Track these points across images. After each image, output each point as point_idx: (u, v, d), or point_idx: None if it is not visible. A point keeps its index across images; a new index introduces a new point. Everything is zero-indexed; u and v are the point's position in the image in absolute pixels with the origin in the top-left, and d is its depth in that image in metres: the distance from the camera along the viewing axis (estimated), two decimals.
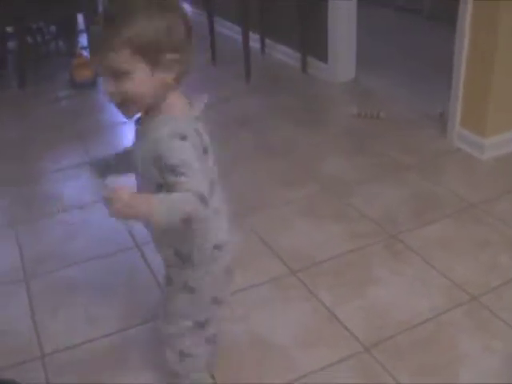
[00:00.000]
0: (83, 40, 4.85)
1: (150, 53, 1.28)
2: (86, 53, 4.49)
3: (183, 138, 1.32)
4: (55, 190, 2.92)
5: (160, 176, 1.32)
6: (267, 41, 4.68)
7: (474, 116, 3.00)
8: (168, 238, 1.49)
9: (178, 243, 1.47)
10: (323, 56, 4.06)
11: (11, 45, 4.56)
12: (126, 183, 1.28)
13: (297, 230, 2.49)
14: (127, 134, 3.50)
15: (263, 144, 3.25)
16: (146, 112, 1.41)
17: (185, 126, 1.37)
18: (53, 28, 5.12)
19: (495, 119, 2.94)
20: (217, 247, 1.51)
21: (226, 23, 5.07)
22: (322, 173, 2.93)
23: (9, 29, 4.47)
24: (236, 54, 4.24)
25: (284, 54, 4.51)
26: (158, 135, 1.33)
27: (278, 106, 3.72)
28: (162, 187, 1.32)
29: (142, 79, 1.31)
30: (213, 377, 1.77)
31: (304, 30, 4.14)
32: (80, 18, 4.85)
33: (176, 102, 1.42)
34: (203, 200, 1.26)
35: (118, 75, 1.30)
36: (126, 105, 1.37)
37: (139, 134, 1.46)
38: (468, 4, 2.81)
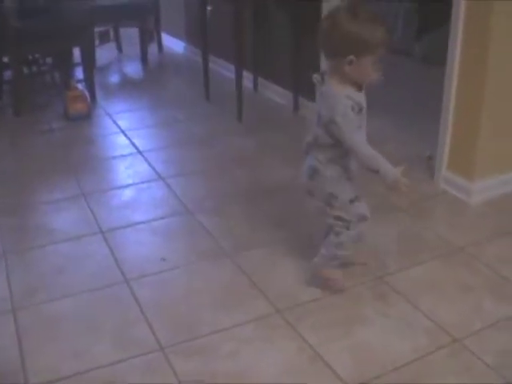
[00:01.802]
0: (78, 73, 4.91)
1: (361, 50, 1.99)
2: (80, 86, 4.55)
3: None
4: (46, 221, 2.93)
5: None
6: (260, 80, 4.75)
7: (462, 160, 3.05)
8: None
9: None
10: (314, 96, 4.10)
11: (7, 75, 4.60)
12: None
13: (283, 270, 2.51)
14: (118, 168, 3.54)
15: (254, 183, 3.28)
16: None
17: None
18: (49, 60, 5.19)
19: (482, 164, 2.99)
20: None
21: (220, 61, 5.15)
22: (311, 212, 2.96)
23: (5, 59, 4.52)
24: (229, 91, 4.30)
25: (276, 93, 4.58)
26: None
27: (269, 145, 3.77)
28: None
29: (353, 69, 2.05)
30: None
31: (296, 70, 4.21)
32: (76, 51, 4.91)
33: None
34: None
35: None
36: None
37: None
38: (456, 49, 2.88)
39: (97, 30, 6.10)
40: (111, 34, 6.46)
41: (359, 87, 2.11)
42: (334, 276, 2.36)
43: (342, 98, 2.04)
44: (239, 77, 4.11)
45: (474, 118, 2.91)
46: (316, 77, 2.14)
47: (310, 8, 3.95)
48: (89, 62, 4.80)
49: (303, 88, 4.23)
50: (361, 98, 2.10)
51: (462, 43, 2.87)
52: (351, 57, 1.98)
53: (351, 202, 2.23)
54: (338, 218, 2.23)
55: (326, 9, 3.84)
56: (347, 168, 2.20)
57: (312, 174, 2.21)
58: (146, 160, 3.59)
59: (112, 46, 6.40)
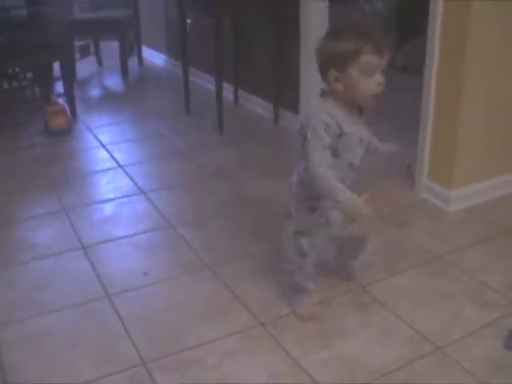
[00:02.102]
0: (59, 88, 4.90)
1: (343, 65, 1.91)
2: (61, 101, 4.54)
3: None
4: (28, 237, 2.92)
5: None
6: (241, 92, 4.78)
7: (441, 169, 3.08)
8: None
9: None
10: (295, 108, 4.14)
11: None
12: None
13: (265, 282, 2.51)
14: (99, 183, 3.54)
15: (235, 195, 3.29)
16: None
17: None
18: (29, 74, 5.18)
19: (461, 172, 3.02)
20: None
21: (201, 74, 5.17)
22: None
23: None
24: (210, 104, 4.31)
25: (257, 105, 4.60)
26: None
27: (250, 157, 3.78)
28: None
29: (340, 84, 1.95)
30: None
31: (276, 82, 4.23)
32: (56, 65, 4.90)
33: None
34: None
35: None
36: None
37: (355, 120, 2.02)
38: (434, 60, 2.91)
39: (77, 43, 6.13)
40: (91, 47, 6.48)
41: (358, 111, 2.04)
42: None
43: (320, 113, 1.96)
44: (219, 89, 4.12)
45: (452, 127, 2.94)
46: None
47: (290, 20, 3.99)
48: (69, 76, 4.81)
49: (284, 99, 4.26)
50: (347, 120, 1.99)
51: (440, 54, 2.90)
52: (332, 71, 1.92)
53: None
54: None
55: (303, 20, 3.88)
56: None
57: None
58: (127, 174, 3.59)
59: (92, 59, 6.42)
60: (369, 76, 1.92)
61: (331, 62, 1.92)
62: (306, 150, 1.97)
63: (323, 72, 1.96)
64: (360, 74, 1.90)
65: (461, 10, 2.73)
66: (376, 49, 1.89)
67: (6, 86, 4.96)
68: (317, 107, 2.01)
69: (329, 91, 2.00)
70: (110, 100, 5.40)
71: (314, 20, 3.85)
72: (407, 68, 5.23)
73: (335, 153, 1.98)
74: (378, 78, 1.93)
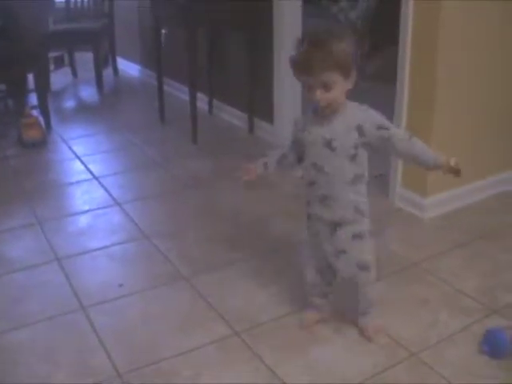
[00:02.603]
0: (33, 99, 4.87)
1: (346, 70, 1.87)
2: (35, 112, 4.51)
3: None
4: (1, 251, 2.89)
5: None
6: (215, 102, 4.78)
7: (415, 176, 3.10)
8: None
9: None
10: (269, 117, 4.16)
11: None
12: None
13: (241, 292, 2.51)
14: (74, 194, 3.52)
15: (210, 206, 3.29)
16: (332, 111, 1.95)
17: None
18: (2, 86, 5.14)
19: (435, 179, 3.03)
20: None
21: (175, 84, 5.17)
22: (268, 235, 2.98)
23: None
24: (184, 114, 4.32)
25: (231, 115, 4.61)
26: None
27: (224, 168, 3.78)
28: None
29: (341, 89, 1.90)
30: None
31: (251, 92, 4.24)
32: (30, 76, 4.87)
33: (347, 103, 1.98)
34: None
35: (327, 86, 1.87)
36: (328, 106, 1.92)
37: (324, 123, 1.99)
38: (406, 69, 2.95)
39: (51, 54, 6.10)
40: (66, 58, 6.45)
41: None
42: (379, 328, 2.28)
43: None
44: (193, 99, 4.13)
45: (425, 135, 2.95)
46: None
47: (263, 32, 4.00)
48: (43, 88, 4.78)
49: (258, 109, 4.27)
50: (310, 120, 2.04)
51: (411, 63, 2.93)
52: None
53: None
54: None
55: (277, 31, 3.90)
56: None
57: None
58: (102, 185, 3.58)
59: (67, 70, 6.39)
60: (308, 91, 1.94)
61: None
62: None
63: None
64: (304, 84, 1.95)
65: (430, 19, 2.77)
66: (302, 68, 1.91)
67: None
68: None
69: None
70: (84, 111, 5.38)
71: (288, 31, 3.87)
72: (379, 76, 5.27)
73: (301, 150, 2.09)
74: (316, 94, 1.90)
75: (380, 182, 3.38)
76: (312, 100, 1.93)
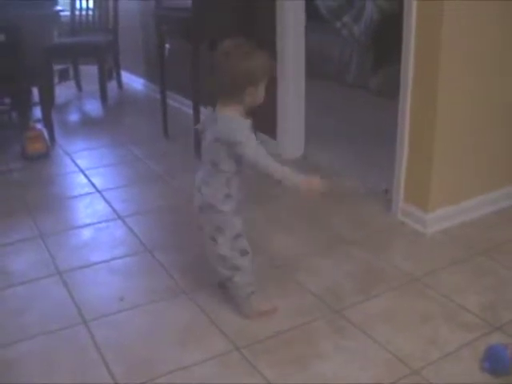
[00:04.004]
0: (37, 113, 4.89)
1: (258, 80, 2.12)
2: (38, 126, 4.53)
3: None
4: (2, 264, 2.89)
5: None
6: None
7: (417, 191, 3.10)
8: None
9: None
10: (272, 132, 4.16)
11: None
12: None
13: None
14: (77, 208, 3.53)
15: None
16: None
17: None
18: (7, 99, 5.16)
19: (437, 194, 3.05)
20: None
21: (179, 98, 5.19)
22: (268, 247, 2.97)
23: None
24: (188, 127, 4.32)
25: None
26: None
27: None
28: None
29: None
30: None
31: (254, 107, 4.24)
32: (34, 89, 4.90)
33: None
34: None
35: None
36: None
37: None
38: (408, 85, 2.95)
39: (56, 67, 6.13)
40: (71, 71, 6.48)
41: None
42: (267, 307, 2.43)
43: (242, 121, 2.20)
44: (197, 113, 4.14)
45: (428, 150, 2.97)
46: (199, 125, 2.38)
47: (266, 46, 4.00)
48: (47, 101, 4.80)
49: (261, 124, 4.26)
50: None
51: (414, 78, 2.94)
52: (249, 87, 2.16)
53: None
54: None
55: (280, 46, 3.92)
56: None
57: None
58: (104, 199, 3.59)
59: (71, 84, 6.42)
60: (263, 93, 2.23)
61: (249, 80, 2.13)
62: (239, 152, 2.19)
63: (241, 89, 2.15)
64: (263, 86, 2.21)
65: (432, 35, 2.78)
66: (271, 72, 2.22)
67: None
68: (235, 118, 2.19)
69: (226, 105, 2.20)
70: (88, 125, 5.40)
71: (292, 45, 3.89)
72: (382, 92, 5.29)
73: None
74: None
75: (382, 197, 3.39)
76: (260, 102, 2.23)
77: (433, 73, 2.84)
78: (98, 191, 3.71)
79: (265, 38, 4.02)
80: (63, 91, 6.16)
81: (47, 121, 4.66)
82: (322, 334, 2.33)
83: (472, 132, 3.07)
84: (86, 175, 3.99)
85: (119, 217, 3.34)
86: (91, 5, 6.23)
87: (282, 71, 3.96)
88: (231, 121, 2.18)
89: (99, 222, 3.30)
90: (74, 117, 5.81)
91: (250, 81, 2.13)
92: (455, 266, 2.78)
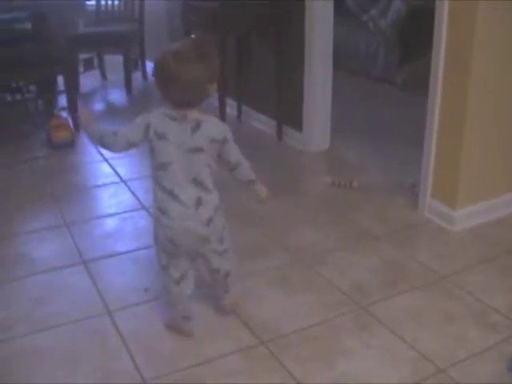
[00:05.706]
0: (62, 101, 4.90)
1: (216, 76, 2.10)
2: (64, 114, 4.54)
3: None
4: (27, 251, 2.90)
5: None
6: (244, 108, 4.77)
7: (445, 188, 3.07)
8: None
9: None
10: (298, 125, 4.14)
11: None
12: None
13: (267, 301, 2.50)
14: (101, 197, 3.53)
15: (235, 213, 3.25)
16: None
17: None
18: (32, 87, 5.18)
19: (465, 192, 3.01)
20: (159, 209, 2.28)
21: None
22: (294, 242, 2.96)
23: None
24: None
25: (260, 122, 4.59)
26: None
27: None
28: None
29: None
30: None
31: (280, 99, 4.23)
32: (60, 78, 4.90)
33: None
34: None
35: None
36: None
37: None
38: (438, 78, 2.91)
39: (81, 57, 6.13)
40: (95, 61, 6.49)
41: None
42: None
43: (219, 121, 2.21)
44: (222, 105, 4.13)
45: (456, 145, 2.93)
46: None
47: (294, 38, 3.99)
48: (72, 89, 4.80)
49: (287, 116, 4.25)
50: None
51: (444, 73, 2.90)
52: (213, 84, 2.12)
53: None
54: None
55: (308, 38, 3.88)
56: None
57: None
58: (129, 189, 3.59)
59: (96, 73, 6.42)
60: None
61: (210, 79, 2.08)
62: (231, 152, 2.28)
63: (205, 91, 2.10)
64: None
65: (465, 30, 2.74)
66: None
67: (9, 99, 4.96)
68: (207, 118, 2.15)
69: (193, 109, 2.14)
70: (113, 114, 5.39)
71: (319, 38, 3.86)
72: (408, 86, 5.24)
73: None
74: None
75: (409, 191, 3.36)
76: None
77: (464, 71, 2.80)
78: (123, 181, 3.71)
79: (293, 31, 4.00)
80: (88, 80, 6.16)
81: (72, 109, 4.66)
82: (348, 330, 2.31)
83: (500, 131, 3.03)
84: (110, 164, 3.98)
85: (143, 207, 3.34)
86: None
87: (309, 64, 3.93)
88: (214, 120, 2.18)
89: (124, 212, 3.29)
90: (98, 106, 5.81)
91: (211, 80, 2.10)
92: (482, 265, 2.74)
